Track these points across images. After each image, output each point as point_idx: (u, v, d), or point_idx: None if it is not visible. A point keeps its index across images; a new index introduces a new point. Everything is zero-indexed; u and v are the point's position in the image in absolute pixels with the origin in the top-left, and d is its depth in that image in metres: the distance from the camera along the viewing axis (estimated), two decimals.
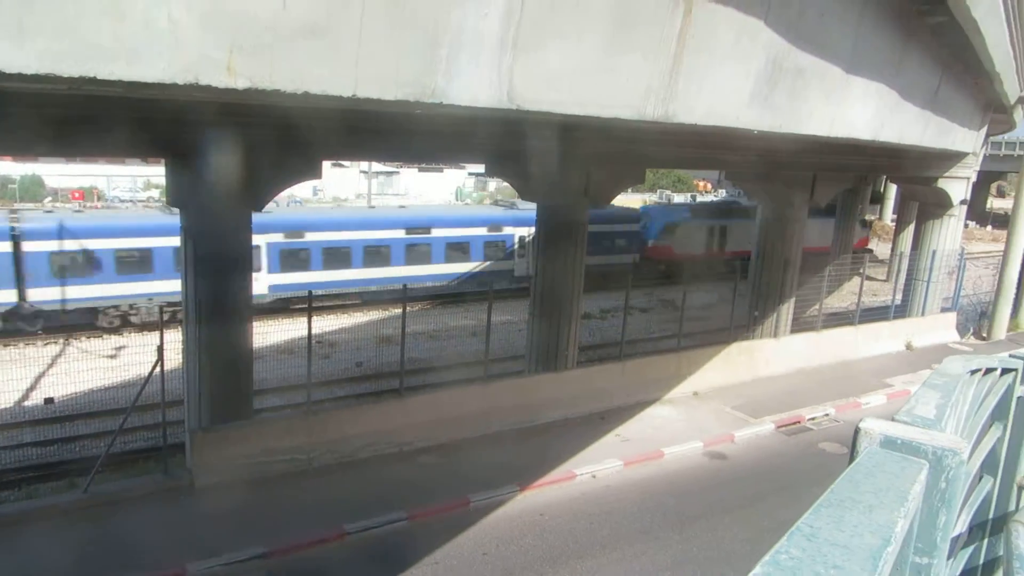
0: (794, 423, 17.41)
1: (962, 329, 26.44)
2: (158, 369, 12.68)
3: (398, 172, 63.55)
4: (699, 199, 56.86)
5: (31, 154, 35.84)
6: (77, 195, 47.13)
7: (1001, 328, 26.27)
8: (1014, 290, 26.38)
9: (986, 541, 3.68)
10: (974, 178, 25.20)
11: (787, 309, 22.43)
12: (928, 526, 1.39)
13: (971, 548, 3.57)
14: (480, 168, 27.40)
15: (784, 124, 9.80)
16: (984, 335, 26.36)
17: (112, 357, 21.12)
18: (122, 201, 48.11)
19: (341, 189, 57.69)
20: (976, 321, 27.61)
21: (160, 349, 12.61)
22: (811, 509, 1.13)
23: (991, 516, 3.72)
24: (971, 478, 3.06)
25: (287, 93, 4.18)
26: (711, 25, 7.46)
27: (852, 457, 1.48)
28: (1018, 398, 3.75)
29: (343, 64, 4.37)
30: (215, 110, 10.18)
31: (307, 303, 14.87)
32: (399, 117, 10.85)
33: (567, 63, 6.21)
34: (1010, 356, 3.77)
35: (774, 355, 20.83)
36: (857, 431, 1.51)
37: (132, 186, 53.18)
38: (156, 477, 13.01)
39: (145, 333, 23.62)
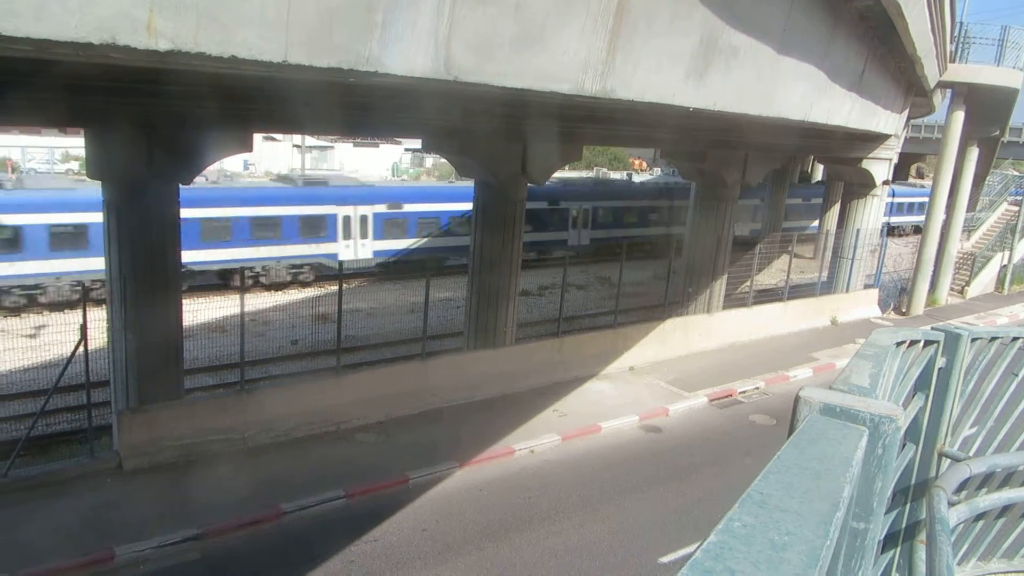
0: (726, 396, 17.90)
1: (883, 305, 27.55)
2: (82, 348, 12.16)
3: (332, 147, 62.23)
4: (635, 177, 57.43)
5: None
6: None
7: (919, 304, 27.49)
8: (932, 267, 27.60)
9: (908, 506, 3.83)
10: (896, 159, 26.14)
11: (719, 286, 22.94)
12: (866, 491, 1.41)
13: (894, 513, 3.72)
14: (417, 143, 26.88)
15: (719, 102, 9.92)
16: (904, 310, 27.54)
17: (32, 337, 20.18)
18: (39, 173, 45.71)
19: (273, 163, 56.15)
20: (896, 297, 28.81)
21: (83, 328, 12.08)
22: (760, 476, 1.12)
23: (913, 482, 3.87)
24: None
25: (213, 57, 3.96)
26: (648, 1, 7.46)
27: (793, 425, 1.49)
28: (939, 369, 3.90)
29: (273, 27, 4.17)
30: (137, 76, 9.68)
31: (240, 280, 14.44)
32: (334, 88, 10.54)
33: (505, 35, 6.11)
34: (932, 329, 3.91)
35: (707, 331, 21.32)
36: (797, 399, 1.52)
37: (49, 157, 50.63)
38: (82, 460, 12.51)
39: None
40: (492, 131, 16.35)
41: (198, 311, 17.70)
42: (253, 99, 11.78)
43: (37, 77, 8.95)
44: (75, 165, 47.25)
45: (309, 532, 11.21)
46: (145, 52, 3.74)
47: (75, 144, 46.09)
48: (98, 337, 13.81)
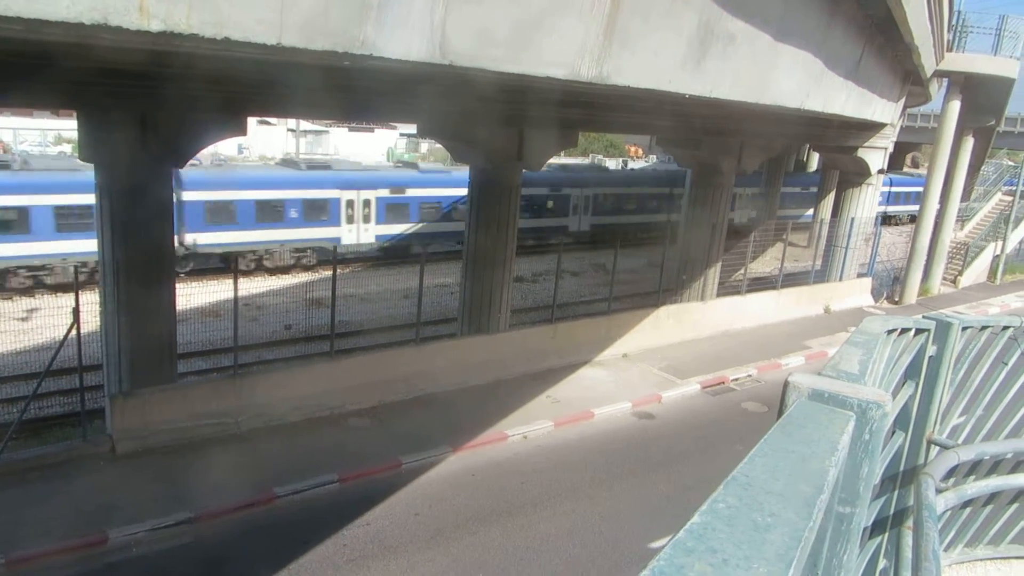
0: (718, 383, 17.97)
1: (876, 294, 27.64)
2: (74, 332, 12.12)
3: (327, 131, 61.91)
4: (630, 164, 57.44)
5: None
6: None
7: (912, 293, 27.60)
8: (925, 257, 27.69)
9: (896, 493, 3.86)
10: (891, 148, 26.15)
11: (714, 274, 22.97)
12: (852, 476, 1.42)
13: (882, 499, 3.75)
14: (412, 128, 26.71)
15: (715, 89, 9.89)
16: (897, 299, 27.64)
17: (24, 320, 20.12)
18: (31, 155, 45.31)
19: (268, 147, 55.87)
20: (889, 286, 28.90)
21: (76, 311, 12.04)
22: (746, 459, 1.13)
23: (902, 469, 3.90)
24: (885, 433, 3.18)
25: (206, 39, 3.93)
26: None
27: (781, 410, 1.50)
28: (929, 357, 3.92)
29: (267, 8, 4.13)
30: (131, 58, 9.60)
31: (232, 263, 14.41)
32: (329, 72, 10.48)
33: (501, 19, 6.08)
34: (923, 317, 3.93)
35: (701, 318, 21.37)
36: (786, 384, 1.53)
37: (41, 140, 50.30)
38: (75, 443, 12.51)
39: None
40: (488, 117, 16.28)
41: (192, 295, 17.67)
42: (247, 82, 11.70)
43: (29, 58, 8.88)
44: (67, 148, 46.93)
45: (302, 516, 11.25)
46: (136, 33, 3.70)
47: (67, 127, 45.76)
48: (91, 321, 13.78)
